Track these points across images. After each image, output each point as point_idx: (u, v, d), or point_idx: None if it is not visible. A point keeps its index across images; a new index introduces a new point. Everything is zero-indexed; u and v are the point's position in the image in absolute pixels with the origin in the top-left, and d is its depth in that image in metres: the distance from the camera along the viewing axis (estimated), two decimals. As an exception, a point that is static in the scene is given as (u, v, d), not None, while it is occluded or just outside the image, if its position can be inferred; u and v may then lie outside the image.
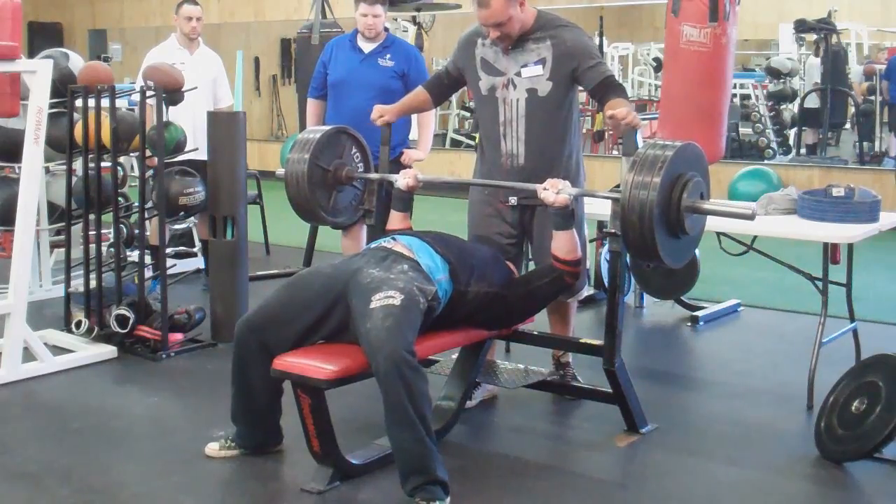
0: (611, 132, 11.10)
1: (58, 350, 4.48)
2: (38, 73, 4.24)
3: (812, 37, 10.33)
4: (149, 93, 4.57)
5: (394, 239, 3.36)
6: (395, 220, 3.72)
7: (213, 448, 3.36)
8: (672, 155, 3.02)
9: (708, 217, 3.22)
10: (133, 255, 5.01)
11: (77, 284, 4.86)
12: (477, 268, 3.34)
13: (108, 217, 4.73)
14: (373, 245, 3.40)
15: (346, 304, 3.07)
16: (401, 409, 2.84)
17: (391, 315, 2.91)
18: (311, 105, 5.05)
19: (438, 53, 12.67)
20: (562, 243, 3.43)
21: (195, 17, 5.72)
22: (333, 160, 3.80)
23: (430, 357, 3.63)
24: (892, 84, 9.85)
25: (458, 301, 3.28)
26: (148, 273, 4.71)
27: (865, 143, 10.11)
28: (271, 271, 6.21)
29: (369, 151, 3.96)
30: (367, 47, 4.79)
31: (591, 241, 5.45)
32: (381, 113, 3.87)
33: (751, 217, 3.13)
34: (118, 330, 4.51)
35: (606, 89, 3.55)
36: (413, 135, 5.31)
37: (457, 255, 3.31)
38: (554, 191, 3.32)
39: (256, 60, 13.52)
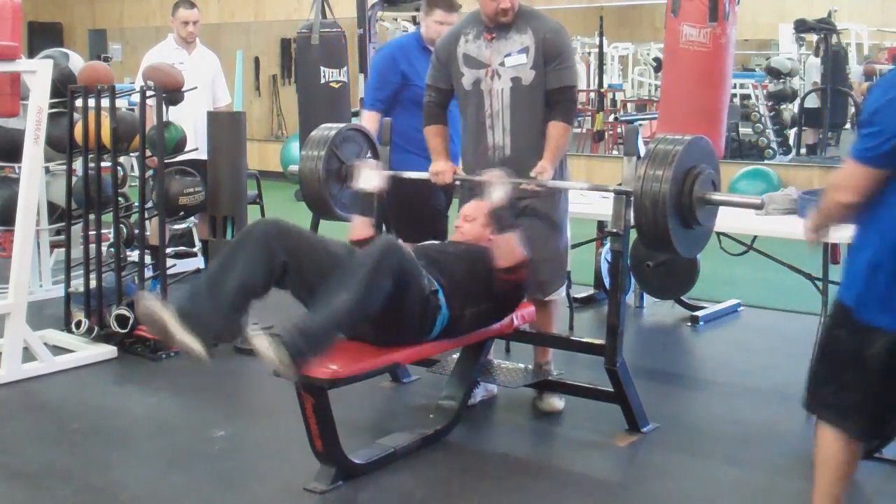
0: (610, 132, 11.12)
1: (58, 350, 4.48)
2: (38, 73, 4.24)
3: (812, 37, 10.32)
4: (149, 93, 4.57)
5: None
6: (358, 226, 3.66)
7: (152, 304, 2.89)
8: (683, 148, 3.10)
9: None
10: (133, 255, 5.01)
11: (77, 284, 4.85)
12: (465, 287, 3.28)
13: (108, 217, 4.73)
14: None
15: None
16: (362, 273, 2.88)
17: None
18: (371, 119, 4.29)
19: (438, 53, 12.63)
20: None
21: (192, 21, 5.70)
22: (350, 157, 3.84)
23: (431, 357, 3.63)
24: None
25: (456, 324, 3.26)
26: (148, 273, 4.71)
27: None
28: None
29: (382, 153, 3.96)
30: None
31: (590, 241, 5.46)
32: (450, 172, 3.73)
33: (760, 206, 3.25)
34: (118, 330, 4.51)
35: (556, 102, 3.60)
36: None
37: (448, 278, 3.25)
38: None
39: (256, 60, 13.52)
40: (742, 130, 10.61)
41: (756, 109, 10.46)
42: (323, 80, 5.93)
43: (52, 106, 4.48)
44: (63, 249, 5.36)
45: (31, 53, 5.78)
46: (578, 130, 12.07)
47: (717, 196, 3.20)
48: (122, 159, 4.93)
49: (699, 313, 5.24)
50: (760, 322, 5.31)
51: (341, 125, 3.90)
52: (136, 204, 4.69)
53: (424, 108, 3.85)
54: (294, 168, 3.83)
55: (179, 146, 4.73)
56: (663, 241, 3.14)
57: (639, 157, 3.36)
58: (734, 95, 10.15)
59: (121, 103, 5.16)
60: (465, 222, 3.55)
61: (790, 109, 10.63)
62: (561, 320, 4.11)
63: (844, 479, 2.53)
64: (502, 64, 3.61)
